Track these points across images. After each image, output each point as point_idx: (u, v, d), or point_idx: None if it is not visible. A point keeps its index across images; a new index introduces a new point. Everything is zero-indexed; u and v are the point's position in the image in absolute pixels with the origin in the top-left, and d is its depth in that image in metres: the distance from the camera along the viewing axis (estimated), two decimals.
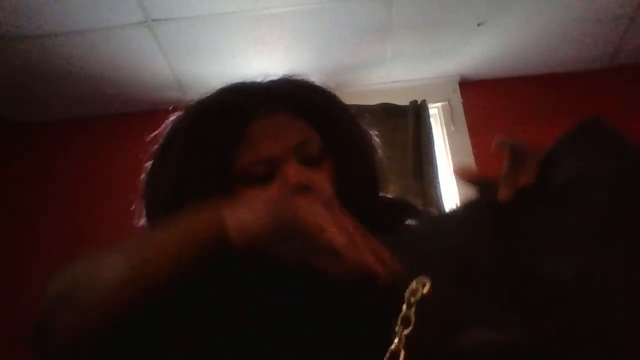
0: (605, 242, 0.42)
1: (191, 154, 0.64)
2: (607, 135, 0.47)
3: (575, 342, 0.39)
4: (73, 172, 2.10)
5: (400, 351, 0.40)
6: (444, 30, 1.89)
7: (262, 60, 1.94)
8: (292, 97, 0.69)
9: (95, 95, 2.09)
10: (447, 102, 2.07)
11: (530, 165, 0.47)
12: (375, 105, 1.95)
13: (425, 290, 0.42)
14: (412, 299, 0.41)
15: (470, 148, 1.96)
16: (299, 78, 0.73)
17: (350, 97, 0.75)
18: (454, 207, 0.53)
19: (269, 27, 1.82)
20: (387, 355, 0.40)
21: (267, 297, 0.46)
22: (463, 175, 0.54)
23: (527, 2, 1.77)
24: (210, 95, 0.71)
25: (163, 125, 0.72)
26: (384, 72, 2.09)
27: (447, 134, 2.02)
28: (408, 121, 1.93)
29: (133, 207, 0.72)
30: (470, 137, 1.99)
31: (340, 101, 0.73)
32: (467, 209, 0.51)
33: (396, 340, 0.40)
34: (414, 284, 0.42)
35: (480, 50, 1.99)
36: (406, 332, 0.41)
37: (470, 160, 1.93)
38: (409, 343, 0.40)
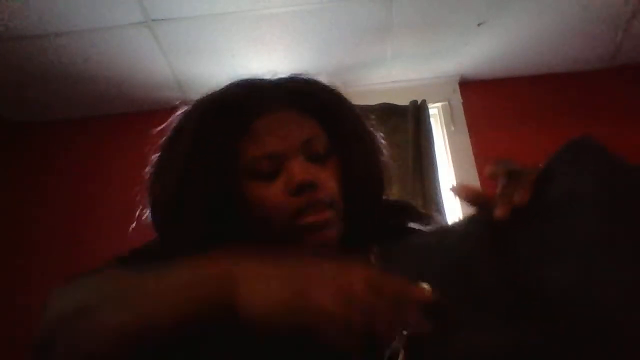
0: (600, 251, 0.42)
1: (197, 147, 0.64)
2: (597, 153, 0.49)
3: (575, 342, 0.39)
4: (73, 172, 2.10)
5: (399, 351, 0.40)
6: (444, 30, 1.89)
7: (262, 60, 1.94)
8: (299, 94, 0.69)
9: (95, 95, 2.09)
10: (447, 102, 2.07)
11: (524, 184, 0.48)
12: (375, 105, 1.95)
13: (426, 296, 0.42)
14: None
15: (470, 148, 1.96)
16: (306, 76, 0.73)
17: (350, 97, 0.75)
18: (455, 221, 0.54)
19: (269, 27, 1.82)
20: (387, 354, 0.40)
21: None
22: (461, 193, 0.54)
23: (527, 2, 1.77)
24: (218, 90, 0.71)
25: (170, 119, 0.72)
26: (384, 72, 2.09)
27: (447, 134, 2.02)
28: (408, 121, 1.93)
29: (137, 203, 0.72)
30: (470, 137, 1.99)
31: (348, 100, 0.73)
32: (466, 224, 0.51)
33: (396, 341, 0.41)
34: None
35: (480, 50, 1.99)
36: (405, 331, 0.41)
37: (470, 160, 1.93)
38: (408, 344, 0.41)
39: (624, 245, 0.42)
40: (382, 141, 0.75)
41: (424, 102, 1.98)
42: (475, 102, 2.08)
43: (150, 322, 0.47)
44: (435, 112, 2.09)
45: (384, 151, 0.74)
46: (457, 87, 2.12)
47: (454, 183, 1.84)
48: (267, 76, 0.72)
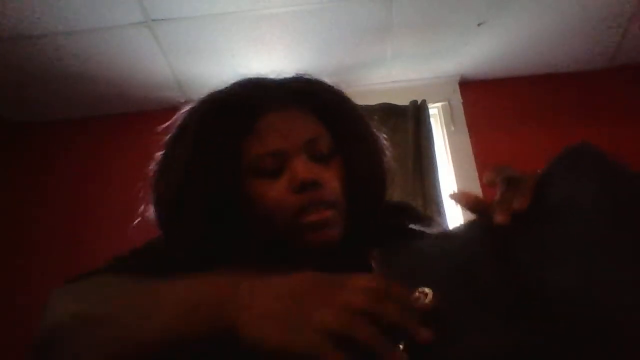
0: (600, 251, 0.43)
1: (201, 145, 0.64)
2: (596, 159, 0.48)
3: (575, 342, 0.39)
4: (73, 172, 2.10)
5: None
6: (444, 30, 1.89)
7: (262, 60, 1.94)
8: (304, 93, 0.69)
9: (95, 95, 2.09)
10: (447, 102, 2.07)
11: (523, 190, 0.48)
12: (375, 105, 1.95)
13: (427, 300, 0.42)
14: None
15: (470, 148, 1.97)
16: (311, 76, 0.73)
17: (350, 97, 0.75)
18: (456, 226, 0.54)
19: (269, 27, 1.82)
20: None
21: None
22: (461, 200, 0.54)
23: (527, 2, 1.77)
24: (223, 88, 0.71)
25: (175, 117, 0.72)
26: (384, 72, 2.09)
27: (447, 134, 2.02)
28: (408, 121, 1.93)
29: (139, 201, 0.72)
30: (470, 137, 1.99)
31: (352, 102, 0.74)
32: (467, 230, 0.52)
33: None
34: (416, 294, 0.43)
35: (480, 50, 1.99)
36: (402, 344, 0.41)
37: (470, 160, 1.93)
38: (410, 347, 0.41)
39: (624, 246, 0.42)
40: (385, 142, 0.75)
41: (424, 102, 1.98)
42: (475, 102, 2.08)
43: (148, 341, 0.46)
44: (435, 112, 2.09)
45: (387, 152, 0.74)
46: (457, 87, 2.12)
47: (454, 189, 1.84)
48: (272, 76, 0.73)
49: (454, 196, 0.55)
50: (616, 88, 2.05)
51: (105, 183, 2.04)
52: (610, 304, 0.40)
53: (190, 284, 0.49)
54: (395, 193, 1.73)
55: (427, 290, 0.42)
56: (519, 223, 0.46)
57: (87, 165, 2.11)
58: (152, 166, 0.72)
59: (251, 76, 0.72)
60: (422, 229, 0.69)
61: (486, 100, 2.09)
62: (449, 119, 2.04)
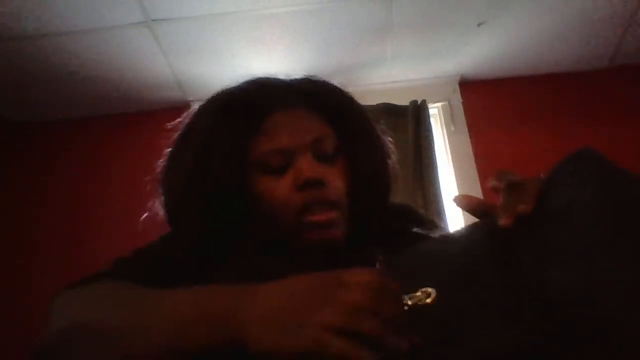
0: (600, 252, 0.43)
1: (209, 142, 0.66)
2: (598, 164, 0.49)
3: (575, 342, 0.39)
4: (73, 172, 2.10)
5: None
6: (444, 30, 1.89)
7: (262, 60, 1.94)
8: (312, 93, 0.70)
9: (95, 95, 2.09)
10: (447, 102, 2.07)
11: (527, 196, 0.48)
12: (375, 105, 1.95)
13: (429, 300, 0.42)
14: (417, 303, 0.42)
15: (470, 148, 1.97)
16: (320, 78, 0.75)
17: (357, 100, 0.77)
18: (459, 230, 0.55)
19: (269, 27, 1.82)
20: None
21: None
22: (464, 203, 0.55)
23: (527, 2, 1.77)
24: (233, 86, 0.73)
25: (185, 114, 0.74)
26: (384, 72, 2.09)
27: (447, 134, 2.02)
28: (408, 121, 1.93)
29: (148, 192, 0.73)
30: (470, 137, 1.99)
31: (359, 104, 0.75)
32: (470, 233, 0.52)
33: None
34: (418, 293, 0.43)
35: (480, 50, 1.99)
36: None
37: (470, 160, 1.93)
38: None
39: (624, 247, 0.42)
40: (391, 145, 0.76)
41: (424, 102, 1.98)
42: (475, 102, 2.08)
43: (150, 352, 0.46)
44: (435, 112, 2.09)
45: (392, 155, 0.75)
46: (457, 87, 2.12)
47: (454, 189, 1.84)
48: (280, 76, 0.74)
49: (456, 199, 0.55)
50: (616, 88, 2.05)
51: (105, 183, 2.04)
52: (610, 304, 0.40)
53: (193, 294, 0.49)
54: (395, 193, 1.73)
55: (429, 289, 0.43)
56: (522, 227, 0.46)
57: (87, 165, 2.11)
58: (161, 162, 0.73)
59: (260, 76, 0.74)
60: (425, 231, 0.69)
61: (486, 100, 2.09)
62: (449, 119, 2.04)
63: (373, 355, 0.39)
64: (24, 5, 1.64)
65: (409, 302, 0.43)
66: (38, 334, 0.54)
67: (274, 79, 0.73)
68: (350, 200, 0.66)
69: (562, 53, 2.02)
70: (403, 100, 2.00)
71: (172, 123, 0.76)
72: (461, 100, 2.08)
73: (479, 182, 1.84)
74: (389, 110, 1.97)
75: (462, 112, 2.06)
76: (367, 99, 1.92)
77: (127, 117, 2.19)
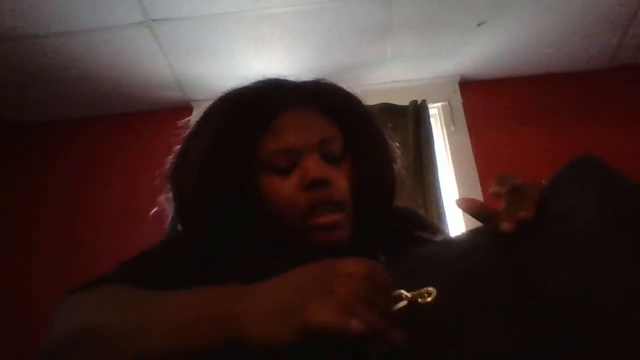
0: (600, 252, 0.43)
1: (219, 140, 0.66)
2: (601, 171, 0.50)
3: (575, 342, 0.39)
4: (73, 172, 2.10)
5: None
6: (444, 30, 1.89)
7: (262, 60, 1.94)
8: (321, 95, 0.72)
9: (95, 95, 2.09)
10: (447, 102, 2.07)
11: (529, 201, 0.49)
12: (375, 105, 1.95)
13: (430, 298, 0.42)
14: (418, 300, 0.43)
15: (470, 148, 1.96)
16: (329, 81, 0.76)
17: (365, 104, 0.78)
18: (461, 234, 0.56)
19: (269, 27, 1.82)
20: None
21: None
22: (466, 206, 0.55)
23: (527, 2, 1.77)
24: (243, 85, 0.74)
25: (196, 112, 0.75)
26: (384, 72, 2.09)
27: (447, 134, 2.02)
28: (408, 121, 1.93)
29: (157, 185, 0.74)
30: (470, 137, 1.99)
31: (367, 108, 0.76)
32: (473, 237, 0.53)
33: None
34: (419, 292, 0.43)
35: (480, 50, 1.99)
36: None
37: (470, 160, 1.93)
38: (411, 346, 0.41)
39: (625, 248, 0.43)
40: (397, 150, 0.77)
41: (424, 102, 1.98)
42: (475, 102, 2.08)
43: (155, 354, 0.46)
44: (435, 112, 2.09)
45: (398, 160, 0.76)
46: (457, 87, 2.12)
47: (454, 189, 1.85)
48: (290, 78, 0.75)
49: (458, 202, 0.56)
50: (616, 88, 2.05)
51: (105, 183, 2.04)
52: (610, 304, 0.40)
53: (194, 295, 0.49)
54: (395, 193, 1.72)
55: (430, 289, 0.43)
56: (523, 231, 0.47)
57: (87, 165, 2.11)
58: (170, 158, 0.75)
59: (270, 76, 0.75)
60: (427, 235, 0.70)
61: (486, 100, 2.09)
62: (449, 119, 2.04)
63: (361, 325, 0.39)
64: (24, 5, 1.64)
65: (409, 296, 0.43)
66: (38, 334, 0.54)
67: (284, 80, 0.74)
68: (355, 202, 0.67)
69: (562, 53, 2.02)
70: (403, 100, 2.00)
71: (182, 121, 0.77)
72: (461, 100, 2.08)
73: (479, 182, 1.84)
74: (389, 110, 1.97)
75: (462, 112, 2.06)
76: (367, 99, 1.90)
77: (127, 117, 2.20)
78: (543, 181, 0.52)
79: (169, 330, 0.46)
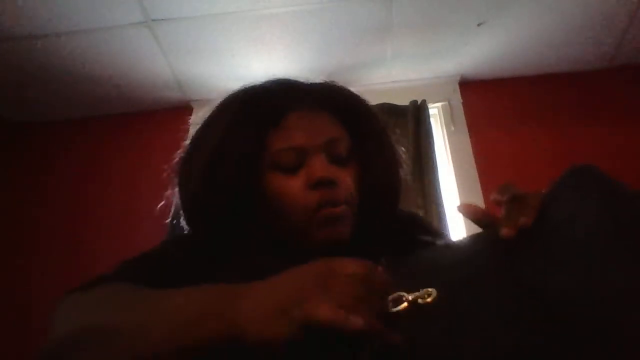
0: (600, 252, 0.44)
1: (227, 137, 0.67)
2: (600, 180, 0.50)
3: (575, 342, 0.39)
4: (73, 172, 2.10)
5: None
6: (444, 30, 1.89)
7: (262, 60, 1.94)
8: (330, 97, 0.73)
9: (95, 95, 2.09)
10: (447, 102, 2.07)
11: (529, 208, 0.50)
12: (375, 105, 1.94)
13: (430, 299, 0.43)
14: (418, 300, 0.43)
15: (470, 148, 1.96)
16: (339, 84, 0.77)
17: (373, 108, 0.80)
18: (462, 239, 0.56)
19: (269, 27, 1.82)
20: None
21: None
22: (467, 212, 0.56)
23: (527, 2, 1.77)
24: (254, 84, 0.75)
25: (196, 112, 0.75)
26: (384, 72, 2.09)
27: (447, 134, 2.02)
28: (408, 121, 1.93)
29: (168, 182, 0.75)
30: (470, 137, 1.99)
31: (375, 112, 0.77)
32: (474, 243, 0.53)
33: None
34: (419, 292, 0.43)
35: (480, 50, 1.99)
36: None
37: (470, 160, 1.93)
38: (411, 346, 0.41)
39: (625, 249, 0.43)
40: (403, 155, 0.78)
41: (424, 102, 1.98)
42: (475, 102, 2.08)
43: (156, 352, 0.46)
44: (435, 112, 2.09)
45: (404, 165, 0.78)
46: (457, 87, 2.12)
47: (457, 192, 1.85)
48: (301, 79, 0.76)
49: (460, 208, 0.56)
50: (616, 88, 2.05)
51: (105, 183, 2.04)
52: (610, 304, 0.40)
53: (194, 293, 0.49)
54: None
55: (430, 290, 0.43)
56: (523, 238, 0.47)
57: (87, 165, 2.11)
58: (179, 153, 0.76)
59: (281, 77, 0.76)
60: (430, 239, 0.70)
61: (486, 100, 2.09)
62: (449, 119, 2.04)
63: (360, 321, 0.40)
64: (24, 5, 1.64)
65: (410, 298, 0.43)
66: (38, 334, 0.54)
67: (293, 80, 0.75)
68: (359, 203, 0.68)
69: (562, 53, 2.02)
70: (403, 100, 2.00)
71: (192, 118, 0.77)
72: (461, 100, 2.08)
73: (479, 182, 1.84)
74: (389, 110, 1.97)
75: (462, 112, 2.06)
76: (367, 99, 1.92)
77: (127, 117, 2.20)
78: (543, 190, 0.53)
79: (169, 329, 0.46)
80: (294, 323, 0.41)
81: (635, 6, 1.80)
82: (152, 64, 1.94)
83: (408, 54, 2.00)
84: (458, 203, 1.81)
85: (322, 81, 0.77)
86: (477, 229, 0.56)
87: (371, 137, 0.73)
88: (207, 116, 0.75)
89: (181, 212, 0.73)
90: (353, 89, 0.77)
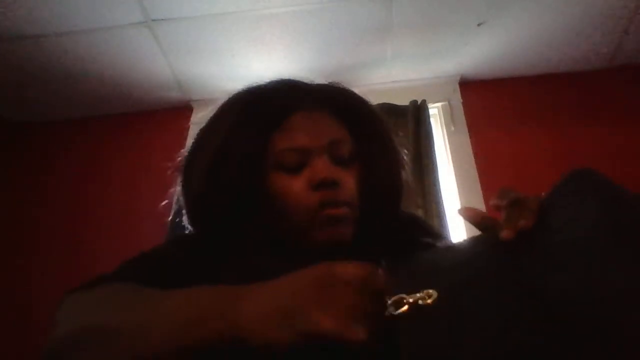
0: (600, 253, 0.44)
1: (231, 136, 0.68)
2: (600, 184, 0.50)
3: (575, 342, 0.39)
4: (73, 172, 2.10)
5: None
6: (444, 30, 1.89)
7: (262, 60, 1.94)
8: (334, 98, 0.73)
9: (95, 95, 2.10)
10: (447, 102, 2.07)
11: (528, 211, 0.50)
12: (375, 105, 1.94)
13: (430, 300, 0.43)
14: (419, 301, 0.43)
15: (470, 148, 1.96)
16: (344, 86, 0.77)
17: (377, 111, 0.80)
18: (462, 241, 0.56)
19: (269, 27, 1.82)
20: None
21: None
22: (468, 216, 0.56)
23: (527, 2, 1.77)
24: (259, 84, 0.75)
25: (207, 109, 0.77)
26: (384, 72, 2.09)
27: (447, 134, 2.02)
28: (408, 121, 1.93)
29: (172, 179, 0.75)
30: (470, 137, 1.99)
31: (379, 114, 0.78)
32: (474, 245, 0.53)
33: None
34: (419, 294, 0.43)
35: (480, 50, 1.99)
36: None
37: (470, 160, 1.93)
38: (412, 346, 0.41)
39: (625, 249, 0.43)
40: (405, 158, 0.79)
41: (424, 102, 1.98)
42: (475, 102, 2.08)
43: (156, 352, 0.46)
44: (435, 112, 2.09)
45: (406, 168, 0.78)
46: (457, 87, 2.12)
47: (457, 192, 1.85)
48: (306, 80, 0.77)
49: (461, 211, 0.57)
50: (616, 88, 2.05)
51: (105, 183, 2.04)
52: (610, 304, 0.40)
53: (194, 294, 0.49)
54: None
55: (431, 291, 0.43)
56: (523, 240, 0.47)
57: (87, 165, 2.11)
58: (184, 151, 0.76)
59: (286, 77, 0.76)
60: (431, 241, 0.71)
61: (486, 100, 2.09)
62: (449, 119, 2.04)
63: (361, 334, 0.40)
64: (24, 5, 1.64)
65: (410, 300, 0.43)
66: (38, 334, 0.54)
67: (298, 81, 0.76)
68: (361, 205, 0.68)
69: (562, 53, 2.02)
70: (403, 100, 2.00)
71: (200, 115, 0.78)
72: (461, 100, 2.08)
73: (479, 182, 1.84)
74: (389, 110, 1.97)
75: (462, 112, 2.06)
76: (370, 101, 1.92)
77: (127, 117, 2.20)
78: (543, 194, 0.53)
79: (169, 329, 0.46)
80: (296, 332, 0.41)
81: (635, 6, 1.80)
82: (152, 64, 1.94)
83: (408, 54, 2.00)
84: (458, 203, 1.81)
85: (326, 82, 0.77)
86: (477, 230, 0.56)
87: (374, 139, 0.73)
88: (211, 116, 0.75)
89: (184, 211, 0.74)
90: (355, 90, 0.77)
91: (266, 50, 1.91)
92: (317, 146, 0.66)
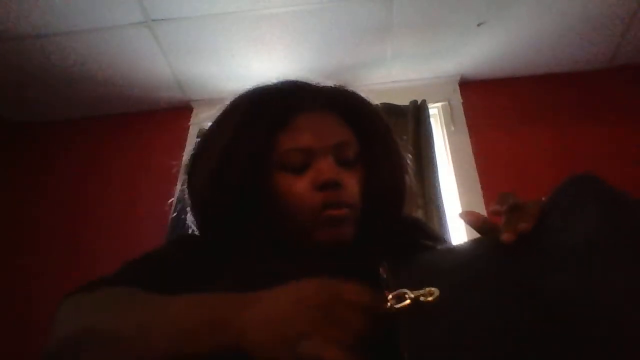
0: (600, 253, 0.44)
1: (237, 136, 0.68)
2: (600, 188, 0.50)
3: (575, 342, 0.39)
4: (73, 172, 2.10)
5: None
6: (444, 30, 1.89)
7: (262, 60, 1.94)
8: (340, 100, 0.73)
9: (95, 95, 2.10)
10: (447, 102, 2.07)
11: (528, 214, 0.50)
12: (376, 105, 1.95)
13: (432, 298, 0.43)
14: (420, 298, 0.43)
15: (470, 148, 1.96)
16: (350, 88, 0.78)
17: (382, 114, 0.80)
18: (463, 243, 0.57)
19: (269, 27, 1.82)
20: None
21: None
22: (469, 220, 0.57)
23: (527, 2, 1.77)
24: (266, 84, 0.75)
25: (218, 107, 0.77)
26: (384, 72, 2.09)
27: (447, 134, 2.02)
28: (408, 121, 1.93)
29: (176, 177, 0.75)
30: (470, 137, 1.99)
31: (384, 118, 0.78)
32: (475, 247, 0.54)
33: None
34: (422, 291, 0.43)
35: (480, 50, 1.99)
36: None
37: (470, 160, 1.93)
38: (412, 346, 0.41)
39: (625, 249, 0.43)
40: (409, 162, 0.80)
41: (424, 102, 1.98)
42: (475, 102, 2.08)
43: (155, 357, 0.47)
44: (435, 112, 2.09)
45: (410, 171, 0.79)
46: (457, 87, 2.12)
47: (456, 192, 1.85)
48: (312, 82, 0.77)
49: (462, 215, 0.57)
50: (616, 88, 2.05)
51: (105, 183, 2.04)
52: (610, 304, 0.40)
53: (196, 300, 0.49)
54: None
55: (433, 289, 0.43)
56: (523, 243, 0.47)
57: (87, 165, 2.11)
58: (190, 150, 0.76)
59: (292, 78, 0.76)
60: (431, 243, 0.71)
61: (486, 100, 2.09)
62: (449, 119, 2.04)
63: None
64: (24, 5, 1.64)
65: (412, 295, 0.43)
66: (38, 335, 0.54)
67: (304, 82, 0.76)
68: (364, 207, 0.68)
69: (562, 53, 2.02)
70: (403, 100, 2.00)
71: (206, 114, 0.79)
72: (461, 100, 2.08)
73: (479, 182, 1.84)
74: (389, 110, 1.97)
75: (462, 112, 2.06)
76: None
77: (127, 117, 2.20)
78: (543, 199, 0.53)
79: (170, 335, 0.46)
80: (295, 352, 0.41)
81: (635, 6, 1.80)
82: (152, 64, 1.94)
83: (408, 54, 2.00)
84: (458, 203, 1.81)
85: (332, 84, 0.77)
86: (477, 233, 0.57)
87: (378, 142, 0.74)
88: (216, 116, 0.76)
89: (188, 209, 0.74)
90: (352, 89, 0.78)
91: (266, 50, 1.91)
92: (322, 147, 0.66)
